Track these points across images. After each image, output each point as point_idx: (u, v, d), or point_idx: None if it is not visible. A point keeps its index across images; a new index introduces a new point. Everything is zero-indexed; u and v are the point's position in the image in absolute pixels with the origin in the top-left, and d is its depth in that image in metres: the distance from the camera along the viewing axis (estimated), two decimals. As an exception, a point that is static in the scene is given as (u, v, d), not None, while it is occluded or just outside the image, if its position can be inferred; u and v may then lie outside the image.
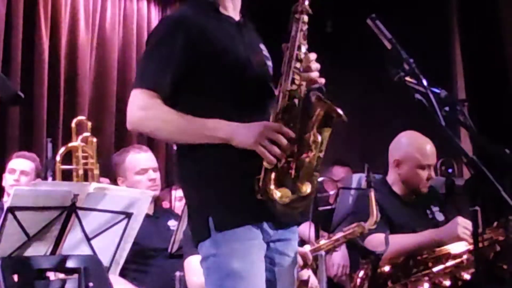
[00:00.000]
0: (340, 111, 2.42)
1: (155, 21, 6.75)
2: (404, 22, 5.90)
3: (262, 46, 2.70)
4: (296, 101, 2.46)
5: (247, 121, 2.46)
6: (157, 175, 4.43)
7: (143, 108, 2.46)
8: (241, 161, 2.43)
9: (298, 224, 2.71)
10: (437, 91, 2.64)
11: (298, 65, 2.47)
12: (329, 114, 2.43)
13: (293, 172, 2.42)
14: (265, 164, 2.40)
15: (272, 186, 2.38)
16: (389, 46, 2.55)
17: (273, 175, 2.39)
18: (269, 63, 2.68)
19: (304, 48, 2.50)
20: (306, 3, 2.52)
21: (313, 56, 2.52)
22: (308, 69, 2.49)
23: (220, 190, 2.46)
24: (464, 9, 6.63)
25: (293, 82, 2.46)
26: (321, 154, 2.45)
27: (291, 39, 2.50)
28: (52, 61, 5.84)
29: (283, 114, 2.44)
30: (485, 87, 6.25)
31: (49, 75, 5.79)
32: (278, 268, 2.56)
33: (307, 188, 2.42)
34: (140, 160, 4.44)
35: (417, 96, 2.45)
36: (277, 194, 2.38)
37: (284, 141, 2.39)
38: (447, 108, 2.58)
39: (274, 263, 2.55)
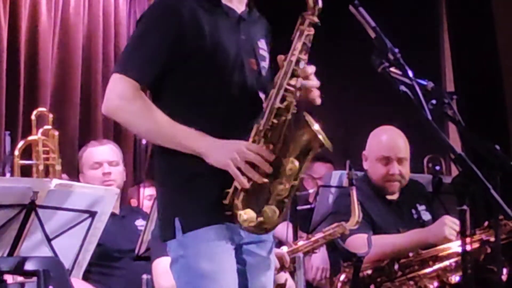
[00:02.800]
0: (322, 140, 2.43)
1: (122, 7, 6.70)
2: (390, 10, 5.92)
3: (262, 43, 2.67)
4: (282, 120, 2.45)
5: (229, 128, 2.47)
6: (113, 169, 4.42)
7: (123, 97, 2.47)
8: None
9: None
10: (424, 83, 2.64)
11: (293, 82, 2.45)
12: (312, 143, 2.44)
13: (263, 195, 2.43)
14: (235, 183, 2.41)
15: (239, 205, 2.41)
16: (372, 35, 2.55)
17: (241, 195, 2.42)
18: (264, 64, 2.65)
19: (303, 64, 2.48)
20: (316, 14, 2.50)
21: (311, 69, 2.50)
22: (306, 88, 2.48)
23: (188, 191, 2.48)
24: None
25: (283, 100, 2.45)
26: (296, 183, 2.46)
27: (290, 52, 2.48)
28: (11, 48, 5.77)
29: (266, 132, 2.44)
30: (475, 80, 6.27)
31: (8, 63, 5.72)
32: (251, 270, 2.58)
33: (274, 214, 2.43)
34: (94, 153, 4.46)
35: (402, 88, 2.45)
36: (242, 216, 2.40)
37: (263, 165, 2.40)
38: (434, 101, 2.59)
39: (246, 265, 2.57)
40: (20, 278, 3.25)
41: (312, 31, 2.50)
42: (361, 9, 2.57)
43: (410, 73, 2.52)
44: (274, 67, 2.55)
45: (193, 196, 2.47)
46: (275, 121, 2.44)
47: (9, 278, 3.28)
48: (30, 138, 4.54)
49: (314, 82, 2.51)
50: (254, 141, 2.44)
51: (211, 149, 2.43)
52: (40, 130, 4.55)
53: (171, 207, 2.51)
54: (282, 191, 2.43)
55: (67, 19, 6.23)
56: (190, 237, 2.45)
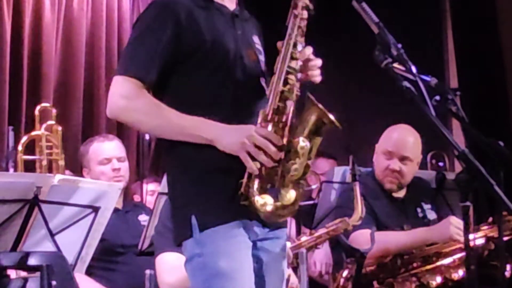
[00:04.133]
0: (332, 118, 2.43)
1: (126, 2, 6.70)
2: (394, 6, 5.92)
3: (256, 39, 2.69)
4: (287, 102, 2.46)
5: (234, 120, 2.46)
6: (122, 165, 4.42)
7: (126, 97, 2.46)
8: (226, 157, 2.44)
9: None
10: (427, 79, 2.64)
11: (293, 64, 2.47)
12: (321, 120, 2.44)
13: (278, 178, 2.42)
14: (248, 170, 2.41)
15: (255, 193, 2.40)
16: (376, 30, 2.55)
17: (256, 181, 2.40)
18: (261, 57, 2.67)
19: (300, 46, 2.50)
20: None
21: (308, 50, 2.51)
22: (305, 67, 2.49)
23: (204, 188, 2.47)
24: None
25: (286, 82, 2.46)
26: (310, 162, 2.46)
27: (287, 36, 2.49)
28: (15, 44, 5.77)
29: (273, 115, 2.45)
30: (479, 76, 6.27)
31: (11, 59, 5.72)
32: (266, 267, 2.57)
33: (291, 196, 2.43)
34: (103, 149, 4.44)
35: (406, 84, 2.45)
36: (259, 201, 2.39)
37: (272, 149, 2.39)
38: (437, 98, 2.59)
39: (261, 262, 2.56)
40: (23, 273, 3.26)
41: (305, 13, 2.51)
42: (364, 4, 2.57)
43: (414, 69, 2.51)
44: (270, 62, 2.57)
45: (209, 193, 2.46)
46: (280, 104, 2.45)
47: (12, 273, 3.29)
48: (33, 133, 4.55)
49: (314, 61, 2.51)
50: (262, 126, 2.44)
51: (221, 134, 2.43)
52: (44, 126, 4.55)
53: (186, 205, 2.49)
54: (295, 171, 2.42)
55: (70, 14, 6.23)
56: (207, 235, 2.43)
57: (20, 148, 4.46)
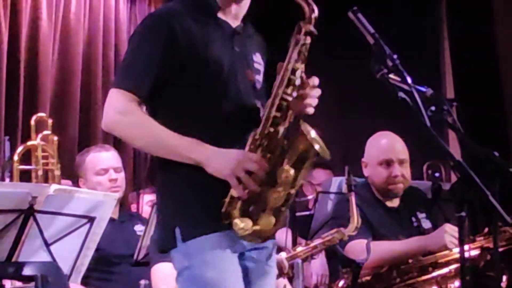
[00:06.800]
0: (317, 149, 2.43)
1: (123, 12, 6.72)
2: (390, 17, 5.93)
3: (257, 57, 2.69)
4: (279, 129, 2.46)
5: (224, 140, 2.47)
6: (119, 176, 4.42)
7: (121, 112, 2.48)
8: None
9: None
10: (423, 89, 2.64)
11: (289, 90, 2.47)
12: (307, 151, 2.44)
13: (259, 204, 2.43)
14: (232, 192, 2.42)
15: (236, 214, 2.41)
16: (371, 41, 2.55)
17: (238, 203, 2.42)
18: (259, 77, 2.67)
19: (299, 73, 2.49)
20: (312, 23, 2.51)
21: (312, 82, 2.52)
22: (303, 95, 2.49)
23: (188, 201, 2.49)
24: (453, 3, 6.67)
25: (279, 108, 2.46)
26: (293, 191, 2.47)
27: (286, 61, 2.49)
28: (11, 54, 5.78)
29: (262, 140, 2.45)
30: (475, 86, 6.28)
31: (8, 69, 5.73)
32: (254, 276, 2.58)
33: (271, 222, 2.44)
34: (100, 159, 4.44)
35: (401, 94, 2.45)
36: (238, 225, 2.40)
37: (261, 174, 2.40)
38: (433, 108, 2.59)
39: (249, 272, 2.57)
40: (18, 283, 3.25)
41: (308, 40, 2.51)
42: (360, 15, 2.57)
43: (409, 80, 2.52)
44: (270, 79, 2.57)
45: (193, 205, 2.47)
46: (271, 129, 2.45)
47: (7, 283, 3.28)
48: (29, 143, 4.53)
49: (312, 91, 2.52)
50: (250, 150, 2.45)
51: (210, 158, 2.44)
52: (40, 135, 4.54)
53: (171, 216, 2.51)
54: (277, 199, 2.43)
55: (67, 25, 6.24)
56: (193, 246, 2.45)
57: (16, 158, 4.44)
